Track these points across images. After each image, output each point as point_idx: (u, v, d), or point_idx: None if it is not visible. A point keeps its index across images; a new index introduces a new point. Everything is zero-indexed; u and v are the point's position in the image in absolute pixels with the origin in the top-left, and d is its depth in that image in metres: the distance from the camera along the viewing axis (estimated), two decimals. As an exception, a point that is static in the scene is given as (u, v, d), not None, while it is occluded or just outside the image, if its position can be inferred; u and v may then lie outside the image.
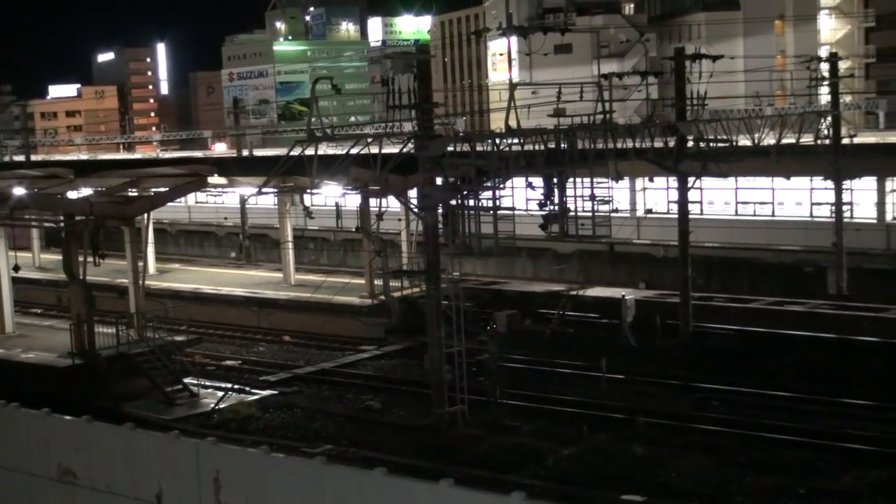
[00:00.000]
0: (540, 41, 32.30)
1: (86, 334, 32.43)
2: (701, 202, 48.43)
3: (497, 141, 28.93)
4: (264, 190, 34.65)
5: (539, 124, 32.43)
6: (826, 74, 45.83)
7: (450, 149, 28.33)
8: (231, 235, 63.45)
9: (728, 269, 47.17)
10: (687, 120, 36.08)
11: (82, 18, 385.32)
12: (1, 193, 37.41)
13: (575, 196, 31.01)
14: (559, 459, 25.31)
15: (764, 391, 30.31)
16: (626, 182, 47.87)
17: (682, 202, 37.11)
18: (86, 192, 39.93)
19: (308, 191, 36.20)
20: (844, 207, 44.15)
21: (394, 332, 40.21)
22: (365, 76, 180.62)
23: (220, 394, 32.45)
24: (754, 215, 50.44)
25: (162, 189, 38.75)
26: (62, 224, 35.13)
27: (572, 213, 30.85)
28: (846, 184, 44.24)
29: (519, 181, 30.81)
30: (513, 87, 29.64)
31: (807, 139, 41.12)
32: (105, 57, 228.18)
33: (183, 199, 61.48)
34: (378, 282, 39.50)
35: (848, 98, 64.85)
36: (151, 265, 48.17)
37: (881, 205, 46.99)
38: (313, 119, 29.36)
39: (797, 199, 49.51)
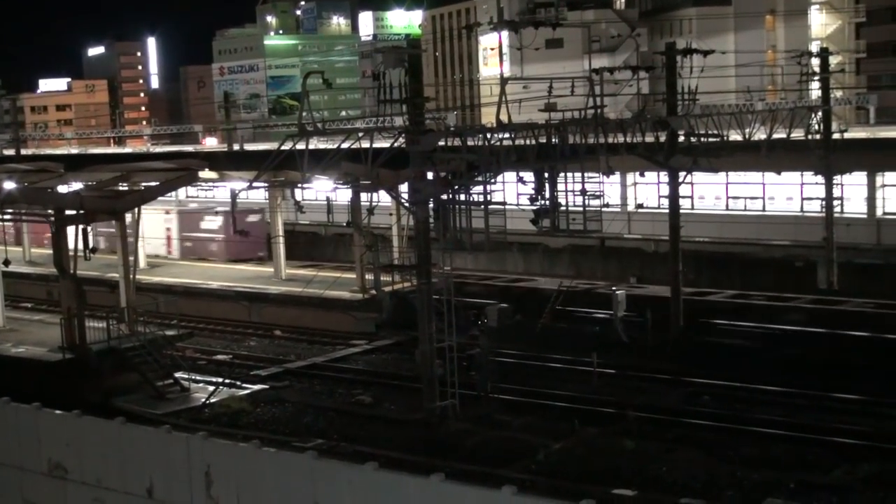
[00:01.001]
0: (531, 36, 32.29)
1: (76, 329, 32.38)
2: (692, 197, 48.55)
3: (488, 135, 28.93)
4: (255, 184, 34.51)
5: (530, 119, 32.44)
6: (817, 69, 45.90)
7: (441, 143, 28.34)
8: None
9: (718, 264, 47.25)
10: (678, 115, 36.11)
11: (73, 12, 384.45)
12: (-9, 188, 37.30)
13: (566, 191, 31.02)
14: (550, 454, 25.35)
15: (754, 385, 30.39)
16: (616, 177, 47.73)
17: (673, 197, 37.16)
18: (76, 186, 39.82)
19: (299, 185, 36.15)
20: (835, 202, 44.25)
21: (385, 327, 40.19)
22: (356, 71, 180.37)
23: (211, 388, 32.44)
24: (745, 210, 50.53)
25: (153, 183, 38.67)
26: (52, 218, 35.04)
27: (563, 208, 30.87)
28: (836, 179, 44.36)
29: (510, 176, 30.79)
30: (504, 81, 29.59)
31: (797, 134, 41.16)
32: (95, 51, 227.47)
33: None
34: (369, 276, 39.49)
35: (838, 93, 64.81)
36: (142, 260, 48.09)
37: (871, 200, 47.12)
38: (304, 113, 29.26)
39: (788, 193, 49.62)
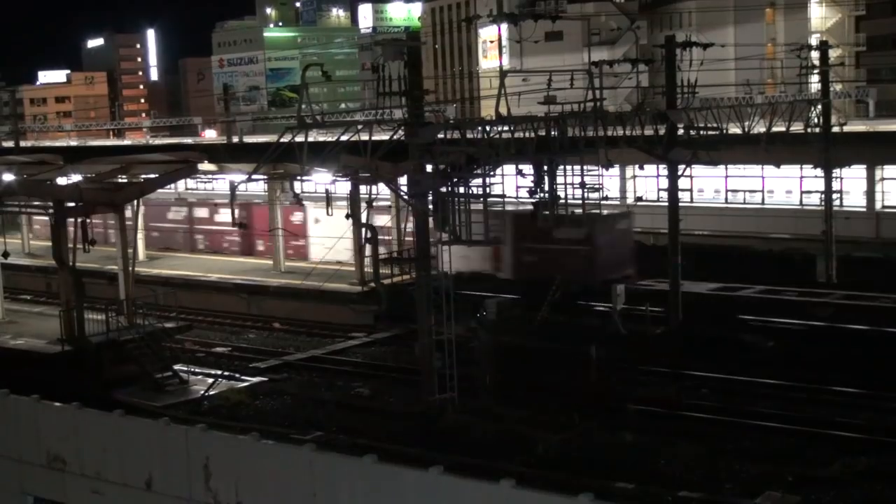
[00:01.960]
0: (531, 28, 32.25)
1: (75, 321, 32.38)
2: (691, 190, 48.54)
3: (487, 128, 28.89)
4: (254, 177, 34.52)
5: (529, 112, 32.38)
6: (816, 63, 45.85)
7: (440, 136, 28.28)
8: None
9: (718, 256, 47.21)
10: (677, 108, 36.05)
11: (72, 4, 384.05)
12: (-10, 179, 37.30)
13: (565, 184, 30.98)
14: (549, 447, 25.34)
15: (753, 378, 30.37)
16: (616, 170, 47.83)
17: (672, 190, 37.11)
18: (75, 178, 39.82)
19: (298, 177, 36.13)
20: (834, 196, 44.24)
21: (384, 319, 40.17)
22: (355, 63, 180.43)
23: (210, 381, 32.42)
24: (744, 203, 50.53)
25: (152, 175, 38.66)
26: (51, 211, 35.03)
27: (562, 201, 30.84)
28: (836, 172, 44.34)
29: (509, 168, 30.77)
30: (503, 74, 29.55)
31: (797, 127, 41.13)
32: (95, 43, 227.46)
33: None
34: (368, 268, 39.49)
35: (838, 86, 64.82)
36: (141, 252, 48.07)
37: (870, 193, 47.13)
38: (303, 106, 29.20)
39: (787, 187, 49.64)
